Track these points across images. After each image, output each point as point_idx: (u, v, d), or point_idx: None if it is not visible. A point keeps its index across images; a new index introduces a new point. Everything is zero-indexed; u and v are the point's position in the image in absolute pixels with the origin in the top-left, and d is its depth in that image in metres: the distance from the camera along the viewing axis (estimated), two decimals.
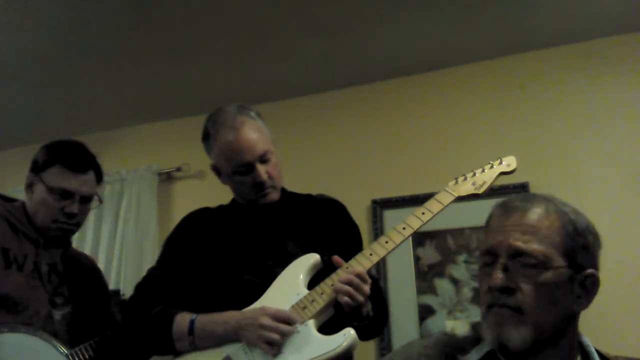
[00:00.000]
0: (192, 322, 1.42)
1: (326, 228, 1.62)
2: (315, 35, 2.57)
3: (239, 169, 1.55)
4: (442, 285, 2.64)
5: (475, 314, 2.54)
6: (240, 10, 2.36)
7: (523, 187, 2.55)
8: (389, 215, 2.81)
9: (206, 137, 1.62)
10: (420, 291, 2.66)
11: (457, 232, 2.64)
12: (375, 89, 3.02)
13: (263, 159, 1.56)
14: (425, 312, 2.63)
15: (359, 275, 1.36)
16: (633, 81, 2.56)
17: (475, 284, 2.58)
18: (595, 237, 1.04)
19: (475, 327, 1.07)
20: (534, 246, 0.97)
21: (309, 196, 1.73)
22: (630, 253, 2.34)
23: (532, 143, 2.64)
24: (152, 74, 2.89)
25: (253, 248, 1.56)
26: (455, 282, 2.62)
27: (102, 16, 2.38)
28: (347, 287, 1.34)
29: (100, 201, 1.87)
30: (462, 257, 2.63)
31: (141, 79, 2.93)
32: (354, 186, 2.85)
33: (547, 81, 2.71)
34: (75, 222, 1.75)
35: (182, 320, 1.43)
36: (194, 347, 1.42)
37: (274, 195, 1.59)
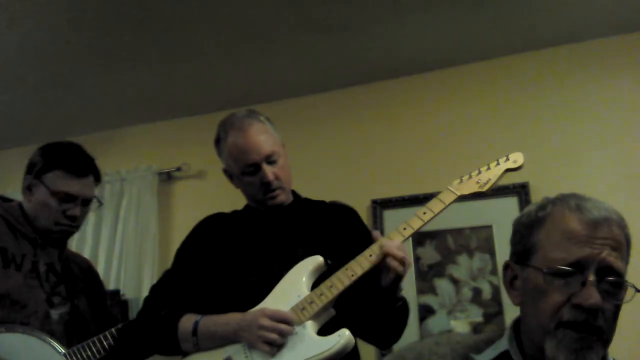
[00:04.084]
0: (196, 324, 1.44)
1: (336, 234, 1.62)
2: (315, 35, 2.57)
3: (246, 169, 1.57)
4: (442, 285, 2.63)
5: (475, 313, 2.54)
6: (240, 10, 2.36)
7: (523, 187, 2.55)
8: (389, 215, 2.80)
9: (217, 142, 1.66)
10: (420, 291, 2.65)
11: (457, 232, 2.63)
12: (375, 89, 3.02)
13: (270, 160, 1.57)
14: (425, 312, 2.62)
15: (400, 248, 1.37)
16: (633, 81, 2.56)
17: (475, 284, 2.58)
18: None
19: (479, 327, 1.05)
20: (620, 264, 0.91)
21: (321, 202, 1.74)
22: (631, 255, 2.33)
23: (532, 143, 2.64)
24: (152, 74, 2.89)
25: (262, 251, 1.57)
26: (455, 282, 2.62)
27: (102, 16, 2.38)
28: (400, 253, 1.35)
29: (100, 203, 1.90)
30: (462, 257, 2.63)
31: (141, 79, 2.94)
32: (354, 186, 2.85)
33: (546, 81, 2.70)
34: (76, 225, 1.79)
35: (188, 321, 1.45)
36: (198, 348, 1.43)
37: (282, 197, 1.61)
